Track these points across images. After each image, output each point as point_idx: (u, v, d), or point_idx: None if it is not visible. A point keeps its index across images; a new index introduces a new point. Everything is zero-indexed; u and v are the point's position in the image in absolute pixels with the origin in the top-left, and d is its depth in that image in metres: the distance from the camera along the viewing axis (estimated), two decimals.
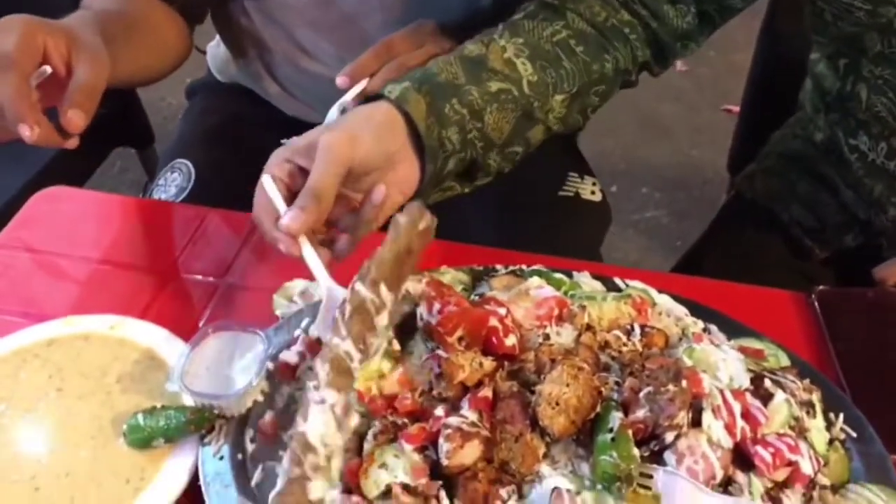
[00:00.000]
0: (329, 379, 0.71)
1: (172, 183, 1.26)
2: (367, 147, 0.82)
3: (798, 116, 1.29)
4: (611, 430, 0.69)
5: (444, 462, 0.69)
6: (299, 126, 1.30)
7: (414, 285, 0.85)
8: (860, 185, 1.16)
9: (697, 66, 3.14)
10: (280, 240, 0.81)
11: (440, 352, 0.76)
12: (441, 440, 0.70)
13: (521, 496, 0.70)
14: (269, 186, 0.84)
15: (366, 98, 0.97)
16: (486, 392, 0.73)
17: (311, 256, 0.82)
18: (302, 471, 0.68)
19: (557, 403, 0.70)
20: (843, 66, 1.11)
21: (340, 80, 1.02)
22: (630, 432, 0.69)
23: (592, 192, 1.32)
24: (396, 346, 0.80)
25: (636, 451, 0.68)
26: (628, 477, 0.67)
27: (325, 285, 0.81)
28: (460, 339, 0.77)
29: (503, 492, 0.69)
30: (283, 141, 0.95)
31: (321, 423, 0.70)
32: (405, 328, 0.84)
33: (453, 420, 0.71)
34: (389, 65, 1.03)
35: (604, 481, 0.67)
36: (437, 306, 0.78)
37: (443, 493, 0.70)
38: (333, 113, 1.01)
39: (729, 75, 2.99)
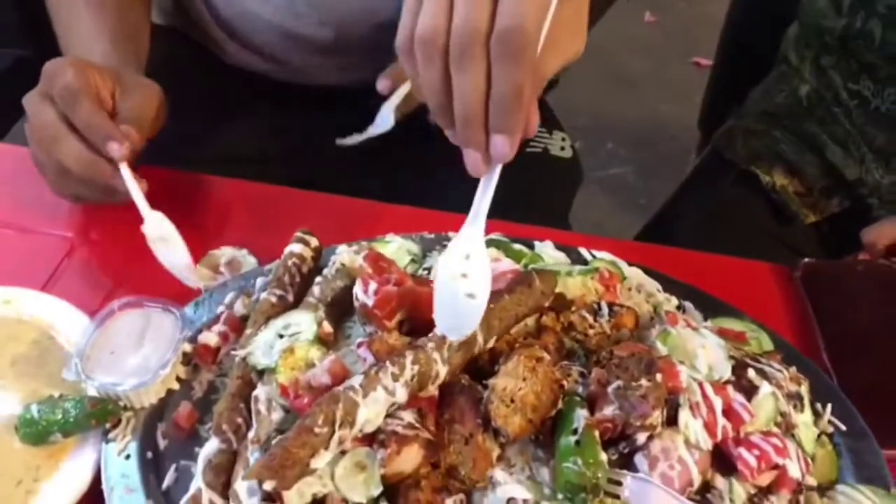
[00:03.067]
0: (410, 381, 0.62)
1: None
2: None
3: (781, 71, 1.20)
4: (575, 432, 0.60)
5: (380, 471, 0.60)
6: (242, 75, 1.18)
7: (350, 257, 0.74)
8: (855, 137, 1.08)
9: (666, 16, 3.03)
10: None
11: (377, 337, 0.66)
12: (375, 446, 0.61)
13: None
14: None
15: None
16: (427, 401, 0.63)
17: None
18: (323, 434, 0.58)
19: (512, 401, 0.61)
20: (850, 2, 1.03)
21: (381, 86, 0.94)
22: (597, 434, 0.60)
23: (562, 149, 1.22)
24: (328, 327, 0.70)
25: (604, 457, 0.59)
26: (594, 487, 0.58)
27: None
28: (401, 324, 0.67)
29: (449, 501, 0.59)
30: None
31: (376, 411, 0.60)
32: (341, 306, 0.74)
33: (388, 422, 0.61)
34: None
35: (566, 491, 0.58)
36: (373, 286, 0.67)
37: None
38: (388, 115, 0.94)
39: (699, 27, 2.88)
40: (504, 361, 0.64)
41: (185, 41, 1.22)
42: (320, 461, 0.59)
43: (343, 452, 0.62)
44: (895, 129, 1.05)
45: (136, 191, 0.82)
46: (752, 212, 1.17)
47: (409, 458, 0.60)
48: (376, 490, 0.60)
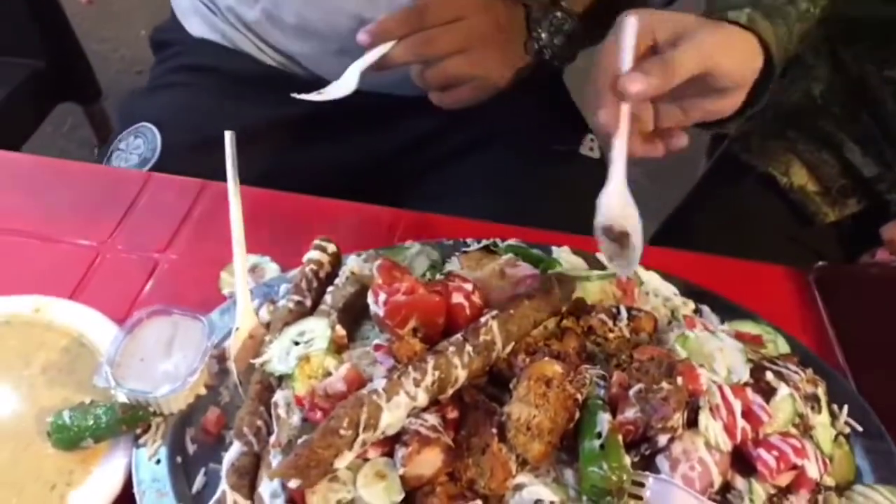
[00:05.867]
0: (431, 386, 0.63)
1: (135, 151, 1.13)
2: (731, 63, 0.77)
3: (793, 71, 1.20)
4: (598, 436, 0.61)
5: (400, 470, 0.61)
6: (279, 80, 1.18)
7: (359, 266, 0.76)
8: (874, 133, 1.09)
9: None
10: (605, 106, 0.74)
11: (400, 341, 0.67)
12: (397, 446, 0.62)
13: None
14: (630, 29, 0.74)
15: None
16: (451, 412, 0.65)
17: (621, 145, 0.73)
18: (347, 436, 0.60)
19: (528, 428, 0.61)
20: None
21: (361, 38, 0.92)
22: (620, 437, 0.61)
23: (591, 149, 1.23)
24: (341, 331, 0.71)
25: (628, 460, 0.60)
26: (619, 490, 0.59)
27: (613, 183, 0.73)
28: (415, 331, 0.68)
29: None
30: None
31: (399, 415, 0.62)
32: (354, 311, 0.75)
33: (412, 421, 0.62)
34: (415, 38, 0.92)
35: (592, 495, 0.59)
36: (382, 296, 0.68)
37: None
38: (354, 73, 0.90)
39: None
40: (515, 385, 0.64)
41: (222, 50, 1.22)
42: (343, 461, 0.60)
43: (365, 460, 0.63)
44: None
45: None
46: (769, 213, 1.17)
47: (430, 461, 0.61)
48: (398, 497, 0.61)
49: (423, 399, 0.63)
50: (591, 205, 1.24)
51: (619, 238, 0.72)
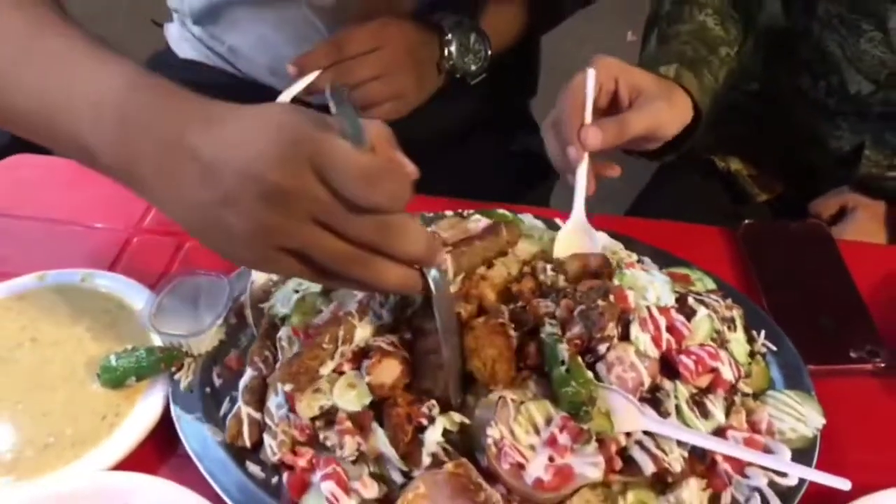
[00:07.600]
0: (394, 306, 0.77)
1: None
2: (673, 127, 0.96)
3: None
4: (563, 363, 0.73)
5: (367, 378, 0.75)
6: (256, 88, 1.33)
7: None
8: (800, 124, 1.24)
9: None
10: (572, 144, 0.92)
11: None
12: (364, 360, 0.76)
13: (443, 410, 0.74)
14: (591, 81, 0.91)
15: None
16: (406, 334, 0.78)
17: (581, 178, 0.93)
18: (329, 349, 0.74)
19: (484, 364, 0.74)
20: (800, 6, 1.20)
21: (290, 69, 1.07)
22: (580, 359, 0.74)
23: (542, 147, 1.38)
24: None
25: (590, 374, 0.73)
26: (591, 399, 0.72)
27: (576, 212, 0.94)
28: None
29: (424, 408, 0.74)
30: None
31: (370, 331, 0.77)
32: None
33: (376, 339, 0.77)
34: (336, 68, 1.08)
35: (573, 409, 0.71)
36: None
37: (375, 424, 0.75)
38: (285, 99, 1.05)
39: None
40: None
41: (206, 67, 1.37)
42: (327, 369, 0.75)
43: (341, 374, 0.77)
44: (829, 117, 1.20)
45: None
46: (711, 194, 1.32)
47: (390, 370, 0.75)
48: (367, 400, 0.75)
49: (387, 318, 0.78)
50: (543, 193, 1.39)
51: None
